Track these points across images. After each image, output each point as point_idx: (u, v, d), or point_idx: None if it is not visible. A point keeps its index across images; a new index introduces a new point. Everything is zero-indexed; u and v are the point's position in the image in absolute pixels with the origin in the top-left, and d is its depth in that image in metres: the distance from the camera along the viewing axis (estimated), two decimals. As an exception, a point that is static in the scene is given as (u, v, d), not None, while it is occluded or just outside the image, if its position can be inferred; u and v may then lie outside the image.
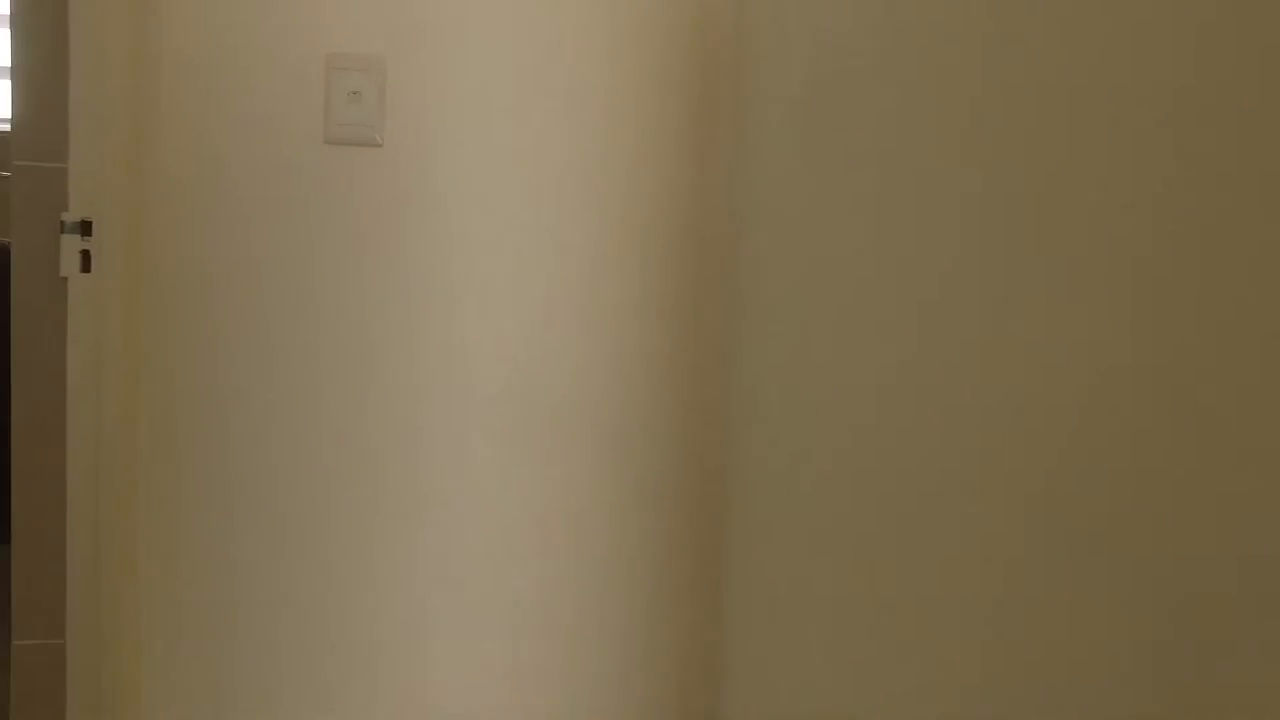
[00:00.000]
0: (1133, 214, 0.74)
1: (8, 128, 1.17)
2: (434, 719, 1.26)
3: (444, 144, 1.24)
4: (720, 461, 1.27)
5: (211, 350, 1.19)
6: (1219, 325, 0.68)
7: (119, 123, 1.13)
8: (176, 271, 1.18)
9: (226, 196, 1.19)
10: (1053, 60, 0.80)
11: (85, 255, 1.10)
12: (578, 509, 1.28)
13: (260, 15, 1.18)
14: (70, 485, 1.11)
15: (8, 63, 1.15)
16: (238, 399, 1.20)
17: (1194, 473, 0.70)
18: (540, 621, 1.28)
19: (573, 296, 1.27)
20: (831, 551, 1.05)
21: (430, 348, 1.24)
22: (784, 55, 1.15)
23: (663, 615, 1.30)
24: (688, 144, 1.28)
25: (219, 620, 1.22)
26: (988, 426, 0.86)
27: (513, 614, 1.27)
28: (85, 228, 1.10)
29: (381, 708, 1.24)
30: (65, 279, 1.10)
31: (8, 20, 1.15)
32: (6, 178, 1.10)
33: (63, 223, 1.10)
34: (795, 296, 1.13)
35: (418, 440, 1.24)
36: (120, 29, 1.11)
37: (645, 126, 1.27)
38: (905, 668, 0.94)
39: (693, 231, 1.29)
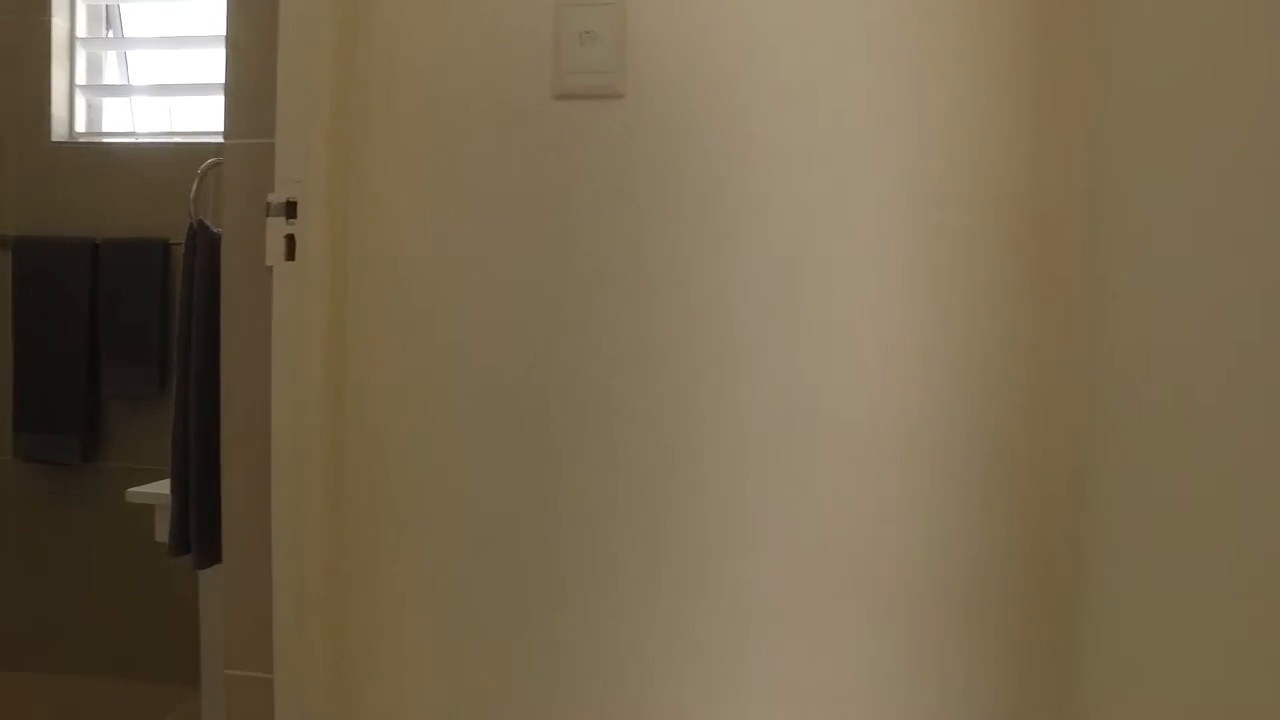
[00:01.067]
0: None
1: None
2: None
3: (700, 94, 0.97)
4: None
5: (425, 344, 1.01)
6: None
7: (326, 93, 0.97)
8: (386, 254, 1.01)
9: (439, 170, 1.00)
10: None
11: (290, 241, 0.96)
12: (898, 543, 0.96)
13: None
14: (275, 502, 0.97)
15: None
16: (456, 400, 1.01)
17: None
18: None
19: (877, 294, 0.95)
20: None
21: (693, 352, 0.97)
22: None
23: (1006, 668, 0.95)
24: (1026, 108, 0.92)
25: (434, 644, 1.03)
26: None
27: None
28: (290, 209, 0.96)
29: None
30: (270, 269, 0.96)
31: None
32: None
33: (268, 205, 0.96)
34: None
35: (682, 450, 0.98)
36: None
37: (975, 80, 0.92)
38: None
39: (1031, 209, 0.92)
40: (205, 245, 1.05)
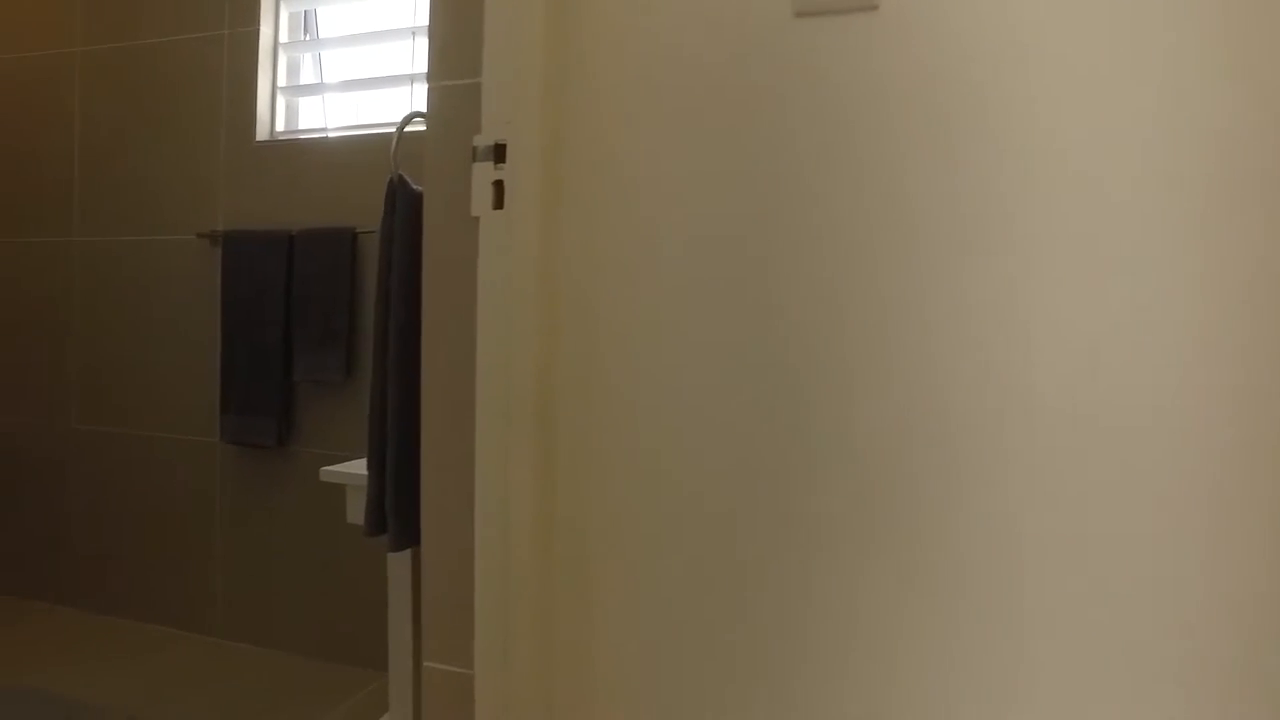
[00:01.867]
0: None
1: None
2: None
3: (981, 4, 0.79)
4: None
5: (649, 300, 0.88)
6: None
7: (537, 22, 0.87)
8: (605, 200, 0.89)
9: (663, 103, 0.88)
10: None
11: (498, 188, 0.86)
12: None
13: None
14: (480, 478, 0.87)
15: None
16: (682, 361, 0.88)
17: None
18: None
19: (1199, 257, 0.74)
20: None
21: (970, 333, 0.79)
22: None
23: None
24: None
25: (651, 645, 0.91)
26: None
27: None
28: (498, 152, 0.86)
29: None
30: (477, 219, 0.87)
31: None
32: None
33: (474, 149, 0.87)
34: None
35: (943, 435, 0.81)
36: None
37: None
38: None
39: None
40: (405, 202, 0.98)
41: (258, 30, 2.35)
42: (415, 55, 2.22)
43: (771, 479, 0.83)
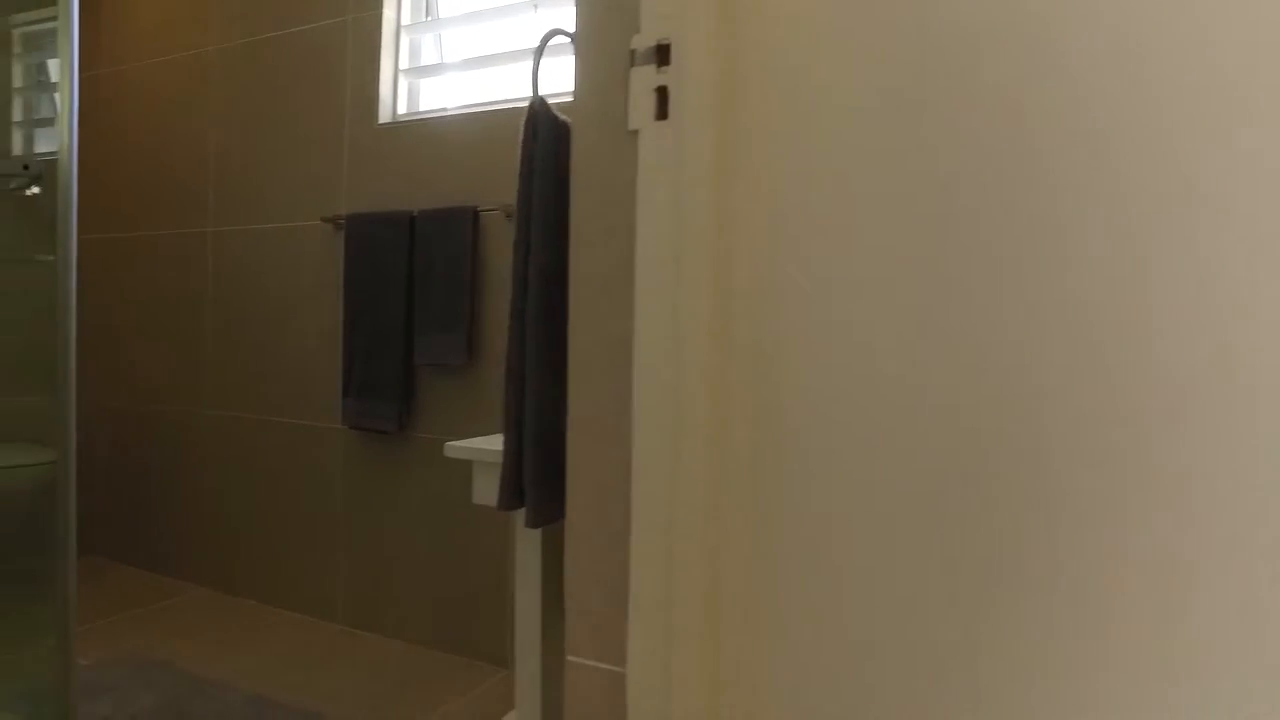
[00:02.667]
0: None
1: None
2: None
3: None
4: None
5: (837, 232, 0.72)
6: None
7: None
8: (790, 109, 0.74)
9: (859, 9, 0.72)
10: None
11: (661, 95, 0.72)
12: None
13: None
14: (638, 444, 0.73)
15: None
16: (875, 319, 0.72)
17: None
18: None
19: None
20: None
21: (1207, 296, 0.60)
22: None
23: None
24: None
25: (833, 645, 0.75)
26: None
27: None
28: (661, 54, 0.72)
29: None
30: (636, 134, 0.73)
31: None
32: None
33: (632, 52, 0.73)
34: None
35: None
36: None
37: None
38: None
39: None
40: (547, 129, 0.86)
41: (380, 14, 2.32)
42: (537, 28, 2.14)
43: (994, 454, 0.66)
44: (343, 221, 2.31)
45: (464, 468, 2.14)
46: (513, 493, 0.87)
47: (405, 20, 2.36)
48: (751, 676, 0.74)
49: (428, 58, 2.40)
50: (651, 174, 0.72)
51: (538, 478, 0.86)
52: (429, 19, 2.39)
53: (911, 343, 0.67)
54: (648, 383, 0.73)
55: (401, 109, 2.36)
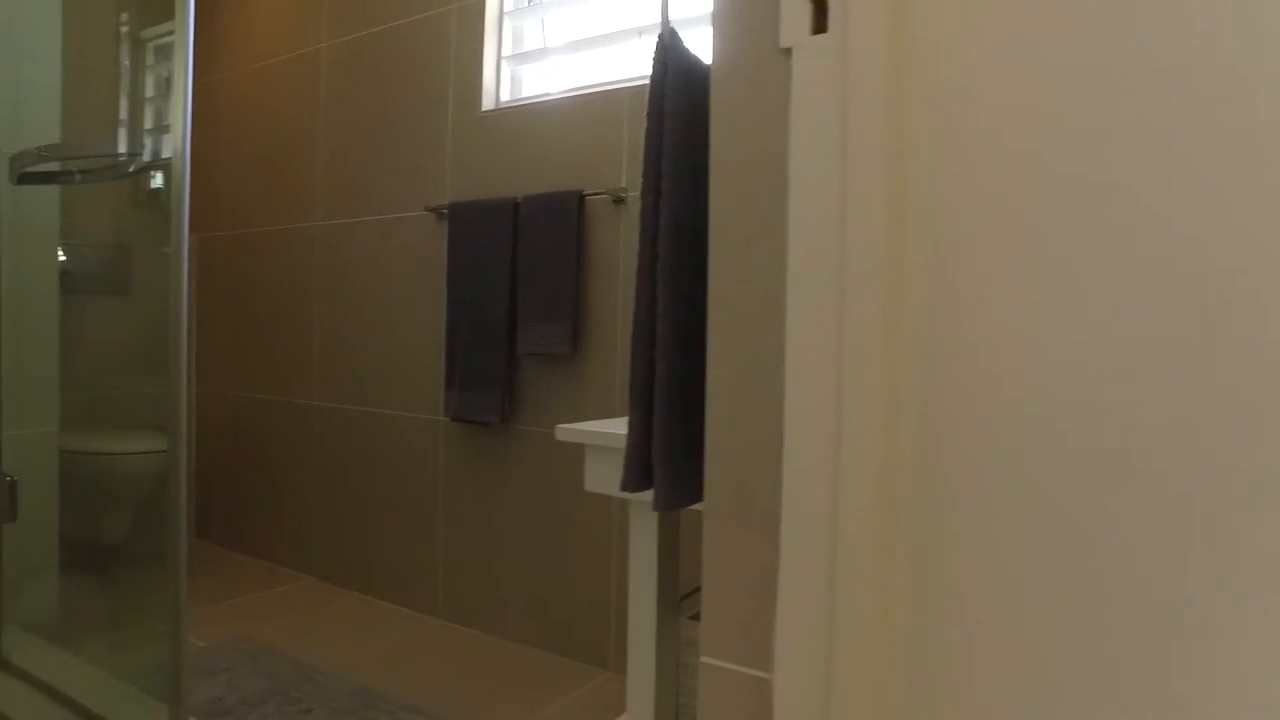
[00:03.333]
0: None
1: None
2: None
3: None
4: None
5: (1031, 174, 0.60)
6: None
7: None
8: (979, 34, 0.62)
9: None
10: None
11: (818, 6, 0.62)
12: None
13: None
14: (791, 411, 0.63)
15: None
16: (1077, 291, 0.59)
17: None
18: None
19: None
20: None
21: None
22: None
23: None
24: None
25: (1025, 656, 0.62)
26: None
27: None
28: (819, -44, 0.62)
29: None
30: (789, 52, 0.63)
31: None
32: None
33: (785, -43, 0.63)
34: None
35: None
36: None
37: None
38: None
39: None
40: (678, 63, 0.77)
41: (483, 2, 2.29)
42: (642, 7, 2.06)
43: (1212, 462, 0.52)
44: (445, 211, 2.28)
45: (569, 461, 2.07)
46: (639, 472, 0.78)
47: (508, 6, 2.33)
48: (929, 695, 0.63)
49: (531, 43, 2.36)
50: (807, 95, 0.61)
51: (669, 454, 0.76)
52: (531, 3, 2.35)
53: (1143, 321, 0.54)
54: (803, 342, 0.62)
55: (505, 96, 2.33)
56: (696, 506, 0.81)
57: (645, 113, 0.78)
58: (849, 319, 0.60)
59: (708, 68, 0.86)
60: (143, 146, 1.57)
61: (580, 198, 2.01)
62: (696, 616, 1.56)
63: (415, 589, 2.43)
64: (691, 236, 0.76)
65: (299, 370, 2.75)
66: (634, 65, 2.07)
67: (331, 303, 2.65)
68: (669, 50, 0.77)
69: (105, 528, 2.43)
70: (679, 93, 0.76)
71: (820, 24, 0.62)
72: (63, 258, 2.06)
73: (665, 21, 0.78)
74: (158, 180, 2.65)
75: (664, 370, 0.75)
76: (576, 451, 2.04)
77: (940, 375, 0.60)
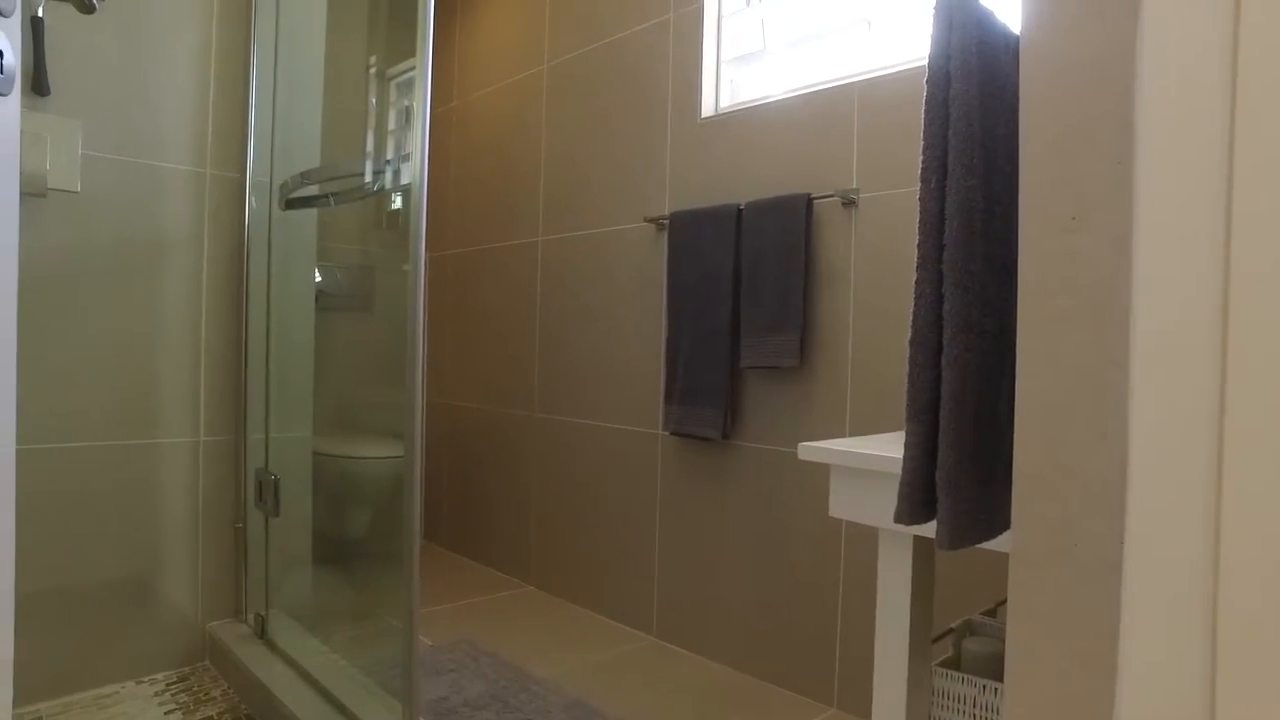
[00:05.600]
0: None
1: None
2: None
3: None
4: None
5: None
6: None
7: None
8: None
9: None
10: None
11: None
12: None
13: None
14: (1137, 429, 0.49)
15: None
16: None
17: None
18: None
19: None
20: None
21: None
22: None
23: None
24: None
25: None
26: None
27: None
28: None
29: None
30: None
31: None
32: None
33: None
34: None
35: None
36: None
37: None
38: None
39: None
40: (966, 16, 0.64)
41: (701, 7, 2.25)
42: (871, -4, 1.92)
43: None
44: (665, 221, 2.25)
45: (794, 481, 1.95)
46: (920, 502, 0.66)
47: (726, 10, 2.27)
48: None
49: (750, 45, 2.28)
50: (1163, 32, 0.47)
51: (957, 483, 0.64)
52: (750, 3, 2.27)
53: None
54: (1161, 345, 0.48)
55: (725, 101, 2.27)
56: (990, 545, 0.67)
57: (924, 80, 0.67)
58: (1235, 311, 0.45)
59: (1003, 25, 0.72)
60: (385, 169, 1.66)
61: (808, 201, 1.89)
62: (947, 664, 1.38)
63: (629, 604, 2.41)
64: (985, 222, 0.63)
65: (520, 383, 2.83)
66: (862, 59, 1.93)
67: (552, 316, 2.71)
68: (955, 7, 0.65)
69: (347, 525, 2.62)
70: (969, 48, 0.64)
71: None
72: (317, 277, 2.25)
73: (951, -29, 0.66)
74: (397, 202, 2.85)
75: (954, 382, 0.62)
76: (803, 471, 1.92)
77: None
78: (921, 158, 0.65)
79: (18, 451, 0.93)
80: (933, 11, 0.66)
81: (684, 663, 2.16)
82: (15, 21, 0.85)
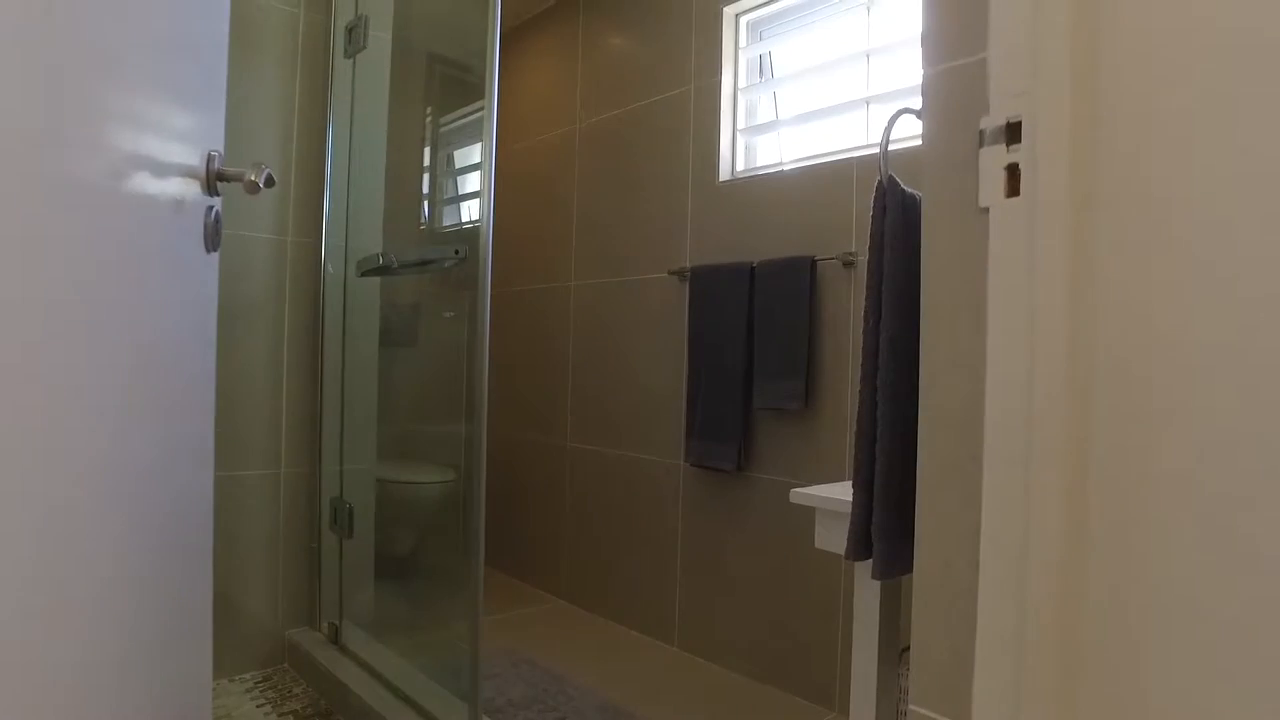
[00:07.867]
0: None
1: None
2: None
3: None
4: None
5: (1217, 315, 0.69)
6: None
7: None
8: (1158, 188, 0.72)
9: (1246, 54, 0.68)
10: None
11: (1012, 173, 0.74)
12: None
13: None
14: (987, 512, 0.75)
15: None
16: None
17: None
18: None
19: None
20: None
21: None
22: None
23: None
24: None
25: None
26: None
27: None
28: (1011, 133, 0.75)
29: None
30: (987, 211, 0.76)
31: None
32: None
33: (981, 133, 0.77)
34: None
35: None
36: None
37: None
38: None
39: None
40: (896, 204, 0.92)
41: (719, 80, 2.52)
42: (868, 79, 2.19)
43: None
44: (688, 273, 2.53)
45: (800, 509, 2.21)
46: (861, 544, 0.93)
47: (741, 83, 2.54)
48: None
49: (763, 116, 2.56)
50: (1003, 250, 0.74)
51: (886, 533, 0.90)
52: (763, 80, 2.55)
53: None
54: (998, 453, 0.74)
55: (740, 166, 2.54)
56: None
57: (868, 246, 0.94)
58: (1037, 438, 0.71)
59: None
60: (456, 253, 1.95)
61: (812, 263, 2.16)
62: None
63: (654, 618, 2.67)
64: (905, 353, 0.90)
65: (554, 414, 3.12)
66: (862, 134, 2.20)
67: (584, 354, 2.99)
68: (888, 194, 0.92)
69: (403, 544, 2.91)
70: (897, 227, 0.91)
71: (1014, 189, 0.74)
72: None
73: (883, 169, 0.93)
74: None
75: (883, 464, 0.89)
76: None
77: (1122, 496, 0.70)
78: (865, 302, 0.92)
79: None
80: (873, 199, 0.93)
81: (703, 671, 2.42)
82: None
